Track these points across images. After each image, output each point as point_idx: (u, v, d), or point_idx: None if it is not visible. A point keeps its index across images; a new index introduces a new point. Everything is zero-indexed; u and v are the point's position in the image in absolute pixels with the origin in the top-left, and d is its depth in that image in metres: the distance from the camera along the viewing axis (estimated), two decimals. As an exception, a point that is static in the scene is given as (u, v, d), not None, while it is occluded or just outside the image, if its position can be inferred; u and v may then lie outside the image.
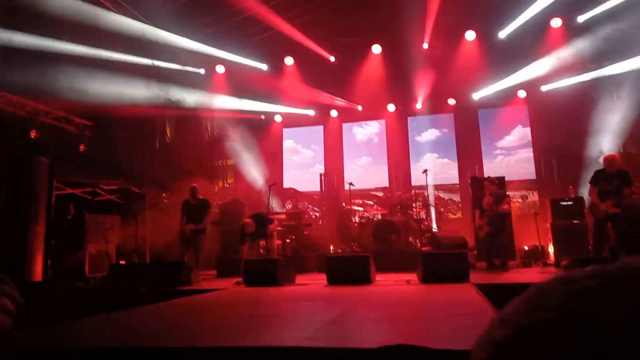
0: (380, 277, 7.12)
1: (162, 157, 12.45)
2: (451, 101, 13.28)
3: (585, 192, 7.91)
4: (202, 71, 12.80)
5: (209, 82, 12.82)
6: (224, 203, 11.17)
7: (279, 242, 10.21)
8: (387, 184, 13.16)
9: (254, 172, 12.78)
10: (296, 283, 6.98)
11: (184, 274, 7.22)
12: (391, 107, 13.71)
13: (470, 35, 11.45)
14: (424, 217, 10.54)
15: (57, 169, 8.76)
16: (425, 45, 11.58)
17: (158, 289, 6.75)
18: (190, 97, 12.40)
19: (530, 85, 12.35)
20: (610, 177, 6.64)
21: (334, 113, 14.07)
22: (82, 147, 10.32)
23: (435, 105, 13.55)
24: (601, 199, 6.61)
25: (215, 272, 9.35)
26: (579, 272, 0.43)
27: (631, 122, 10.51)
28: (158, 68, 11.40)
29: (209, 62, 12.51)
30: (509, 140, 13.13)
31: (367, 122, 14.30)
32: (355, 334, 3.23)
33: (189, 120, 13.61)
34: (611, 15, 10.03)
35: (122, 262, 9.18)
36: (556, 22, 10.84)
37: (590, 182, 6.84)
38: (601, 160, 7.04)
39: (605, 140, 11.19)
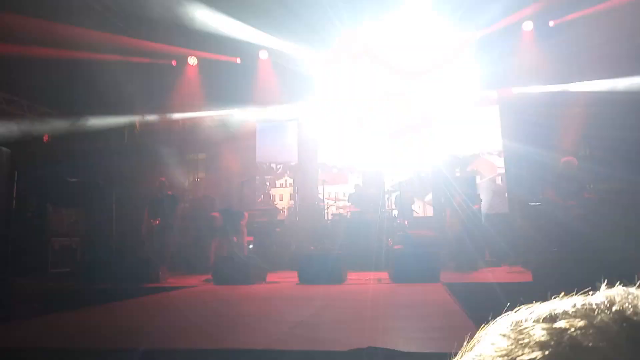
0: (352, 276, 7.11)
1: (131, 149, 12.12)
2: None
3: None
4: (173, 63, 12.50)
5: (180, 74, 12.53)
6: (194, 198, 10.96)
7: (250, 238, 10.09)
8: (360, 182, 13.15)
9: (226, 167, 12.57)
10: (267, 281, 6.90)
11: (151, 271, 7.05)
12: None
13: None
14: (397, 215, 10.58)
15: (20, 159, 8.42)
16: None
17: (124, 285, 6.57)
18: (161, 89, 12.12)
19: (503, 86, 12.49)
20: (573, 179, 6.92)
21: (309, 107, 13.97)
22: (45, 137, 9.92)
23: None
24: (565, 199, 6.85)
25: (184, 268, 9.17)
26: (562, 308, 0.41)
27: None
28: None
29: (181, 54, 12.22)
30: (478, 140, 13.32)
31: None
32: (325, 335, 3.18)
33: (160, 112, 13.30)
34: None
35: (87, 257, 8.91)
36: (527, 25, 10.99)
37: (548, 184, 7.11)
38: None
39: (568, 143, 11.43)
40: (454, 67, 12.26)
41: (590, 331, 0.37)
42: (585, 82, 10.49)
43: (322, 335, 3.15)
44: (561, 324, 0.39)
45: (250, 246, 9.97)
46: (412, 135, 13.65)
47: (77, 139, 10.43)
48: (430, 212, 12.59)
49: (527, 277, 5.90)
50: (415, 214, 11.26)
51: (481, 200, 8.07)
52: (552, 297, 0.44)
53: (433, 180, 12.47)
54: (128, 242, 9.55)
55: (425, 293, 5.26)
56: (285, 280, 7.07)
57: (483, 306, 4.99)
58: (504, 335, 0.41)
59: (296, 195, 12.40)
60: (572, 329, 0.38)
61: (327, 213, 10.76)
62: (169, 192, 8.43)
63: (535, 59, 11.05)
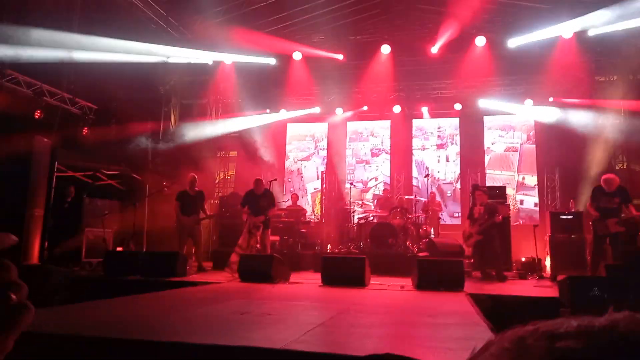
0: (375, 281, 7.10)
1: (165, 144, 12.44)
2: (457, 106, 13.22)
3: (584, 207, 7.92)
4: (210, 62, 12.74)
5: (216, 72, 12.77)
6: (223, 195, 11.16)
7: (276, 238, 10.21)
8: (388, 186, 13.13)
9: (255, 165, 12.75)
10: (290, 281, 6.97)
11: (178, 265, 7.23)
12: (397, 109, 13.65)
13: (480, 41, 11.36)
14: (423, 221, 10.51)
15: (59, 151, 8.78)
16: (435, 49, 11.50)
17: (152, 278, 6.77)
18: (196, 87, 12.39)
19: (537, 94, 12.29)
20: (611, 194, 6.69)
21: (339, 111, 14.02)
22: (85, 130, 10.29)
23: (441, 109, 13.50)
24: (603, 216, 6.66)
25: (212, 264, 9.35)
26: (564, 327, 0.41)
27: (634, 139, 10.47)
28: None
29: (217, 50, 12.44)
30: (514, 148, 13.08)
31: (373, 121, 14.26)
32: (344, 339, 3.21)
33: (193, 109, 13.61)
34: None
35: (119, 248, 9.20)
36: (567, 32, 10.74)
37: (590, 199, 6.89)
38: (603, 177, 7.07)
39: (609, 156, 11.15)
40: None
41: (589, 353, 0.37)
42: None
43: (340, 339, 3.18)
44: (561, 343, 0.39)
45: (276, 245, 10.09)
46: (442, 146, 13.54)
47: (114, 132, 10.78)
48: (458, 220, 12.45)
49: (554, 292, 5.77)
50: (442, 222, 11.14)
51: (498, 210, 7.90)
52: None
53: (462, 189, 12.34)
54: (159, 236, 9.83)
55: (448, 302, 5.21)
56: (308, 281, 7.12)
57: (506, 319, 4.92)
58: (506, 349, 0.42)
59: (323, 197, 12.46)
60: (571, 350, 0.38)
61: (353, 216, 10.76)
62: (196, 189, 8.62)
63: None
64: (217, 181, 13.04)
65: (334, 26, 11.57)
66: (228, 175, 13.54)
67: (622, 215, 6.67)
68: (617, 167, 10.96)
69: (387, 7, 11.66)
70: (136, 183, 10.39)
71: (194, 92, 13.23)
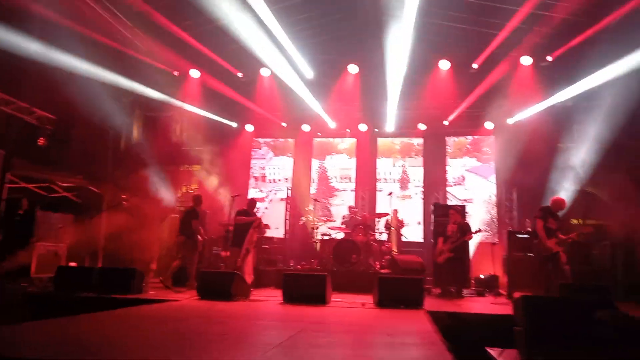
0: (337, 297, 7.09)
1: (126, 157, 12.13)
2: (421, 126, 13.50)
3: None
4: (175, 73, 12.57)
5: (181, 85, 12.59)
6: (185, 209, 10.91)
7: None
8: (353, 203, 13.20)
9: (220, 180, 12.58)
10: (251, 298, 6.87)
11: (135, 282, 7.01)
12: (363, 127, 13.82)
13: (444, 64, 11.69)
14: (386, 239, 10.59)
15: (13, 162, 8.42)
16: (401, 68, 11.73)
17: (106, 295, 6.52)
18: (160, 98, 12.17)
19: (498, 117, 12.72)
20: (556, 216, 7.00)
21: (305, 127, 14.07)
22: (41, 141, 9.90)
23: (406, 128, 13.76)
24: (548, 237, 6.89)
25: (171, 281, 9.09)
26: None
27: (589, 162, 10.94)
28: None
29: (184, 65, 12.29)
30: (466, 167, 13.45)
31: (339, 139, 14.37)
32: (301, 360, 3.17)
33: (157, 122, 13.35)
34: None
35: (72, 264, 8.84)
36: (526, 60, 11.19)
37: (539, 218, 7.07)
38: (553, 199, 7.35)
39: (564, 177, 11.61)
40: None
41: None
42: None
43: (296, 360, 3.14)
44: None
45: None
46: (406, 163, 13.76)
47: (72, 143, 10.44)
48: (419, 237, 12.62)
49: (509, 309, 5.88)
50: (404, 239, 11.27)
51: (471, 229, 8.11)
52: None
53: (425, 206, 12.54)
54: (116, 251, 9.50)
55: (407, 320, 5.24)
56: (269, 298, 7.04)
57: (463, 337, 4.98)
58: None
59: (287, 213, 12.39)
60: None
61: (317, 233, 10.74)
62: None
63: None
64: (179, 195, 12.78)
65: (303, 44, 11.67)
66: (191, 189, 13.29)
67: (560, 236, 6.95)
68: (571, 189, 11.40)
69: (356, 28, 11.86)
70: (93, 196, 10.05)
71: (159, 104, 13.00)
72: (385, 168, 13.95)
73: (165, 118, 13.19)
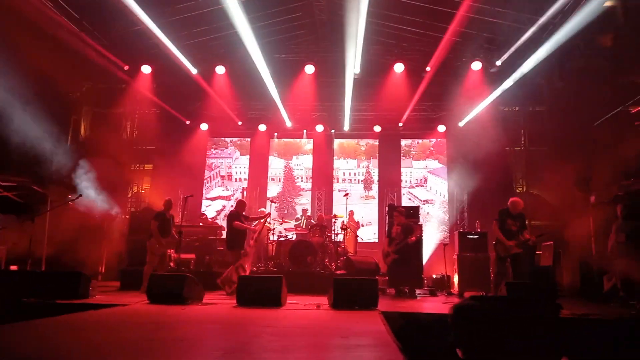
0: (293, 299, 7.06)
1: (72, 155, 11.58)
2: (377, 128, 13.69)
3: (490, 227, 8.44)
4: (126, 68, 12.08)
5: (133, 80, 12.16)
6: (135, 210, 10.58)
7: (192, 255, 9.84)
8: (309, 204, 13.22)
9: (172, 180, 12.25)
10: (204, 302, 6.71)
11: (81, 286, 6.70)
12: (319, 128, 13.86)
13: (398, 67, 11.90)
14: (342, 239, 10.66)
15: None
16: (357, 70, 11.82)
17: (49, 301, 6.20)
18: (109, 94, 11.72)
19: (449, 120, 13.10)
20: (514, 217, 7.20)
21: (262, 127, 13.96)
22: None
23: (362, 130, 13.92)
24: (506, 238, 7.13)
25: (119, 284, 8.78)
26: None
27: (532, 165, 11.46)
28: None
29: (136, 59, 11.84)
30: (428, 169, 13.77)
31: (296, 139, 14.35)
32: (254, 366, 3.12)
33: (107, 118, 12.84)
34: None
35: (13, 267, 8.37)
36: (476, 65, 11.56)
37: (496, 220, 7.33)
38: (510, 200, 7.58)
39: (513, 180, 12.10)
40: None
41: None
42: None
43: (249, 366, 3.08)
44: None
45: (192, 264, 9.72)
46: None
47: (14, 139, 9.86)
48: (375, 238, 12.80)
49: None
50: (360, 240, 11.37)
51: (413, 230, 8.26)
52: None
53: (379, 207, 12.72)
54: (60, 255, 9.06)
55: (361, 322, 5.28)
56: (223, 301, 6.91)
57: (415, 338, 5.07)
58: None
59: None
60: None
61: (272, 234, 10.66)
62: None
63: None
64: (129, 195, 12.36)
65: (259, 43, 11.55)
66: (142, 189, 12.88)
67: (521, 237, 7.20)
68: (517, 191, 11.90)
69: (313, 29, 11.87)
70: (37, 196, 9.54)
71: (109, 100, 12.52)
72: (350, 169, 14.07)
73: (115, 115, 12.70)
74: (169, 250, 7.83)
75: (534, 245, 9.62)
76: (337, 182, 13.92)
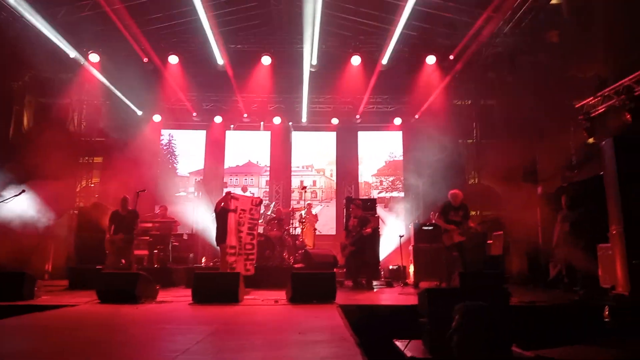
0: (251, 295, 6.98)
1: (15, 148, 10.94)
2: (334, 120, 13.71)
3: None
4: (72, 54, 11.43)
5: (80, 69, 11.55)
6: (84, 206, 10.13)
7: (145, 252, 9.55)
8: (267, 197, 13.11)
9: (123, 173, 11.78)
10: (158, 300, 6.52)
11: (25, 287, 6.36)
12: (277, 120, 13.73)
13: (355, 60, 11.91)
14: (300, 233, 10.64)
15: None
16: (314, 62, 11.75)
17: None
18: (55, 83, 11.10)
19: (405, 113, 13.29)
20: (456, 208, 7.52)
21: (217, 119, 13.68)
22: None
23: (320, 122, 13.90)
24: (450, 228, 7.47)
25: (67, 282, 8.40)
26: None
27: (483, 157, 11.83)
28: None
29: (83, 46, 11.25)
30: (384, 162, 13.95)
31: (252, 131, 14.15)
32: (208, 367, 3.05)
33: (52, 109, 12.19)
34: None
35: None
36: (431, 59, 11.74)
37: (440, 213, 7.64)
38: (450, 193, 7.88)
39: (465, 171, 12.44)
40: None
41: None
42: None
43: (204, 368, 3.01)
44: None
45: (145, 260, 9.45)
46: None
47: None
48: (332, 231, 12.87)
49: (415, 299, 6.17)
50: (317, 233, 11.40)
51: (370, 223, 8.36)
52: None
53: (337, 201, 12.78)
54: (4, 254, 8.57)
55: (319, 316, 5.29)
56: (178, 299, 6.74)
57: (371, 331, 5.12)
58: None
59: (198, 208, 11.97)
60: None
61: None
62: (130, 208, 8.08)
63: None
64: (78, 189, 11.82)
65: (214, 32, 11.26)
66: (91, 183, 12.35)
67: (464, 226, 7.53)
68: (469, 182, 12.25)
69: (268, 18, 11.70)
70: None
71: (54, 90, 11.87)
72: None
73: (60, 105, 12.07)
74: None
75: (483, 235, 9.97)
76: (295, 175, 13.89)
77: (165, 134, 13.86)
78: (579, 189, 8.06)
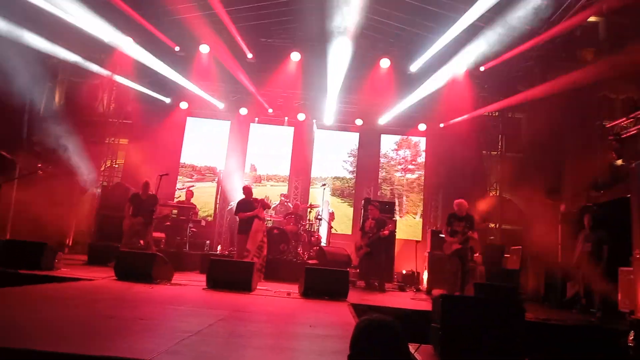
0: (263, 286, 7.02)
1: (44, 123, 11.20)
2: (358, 122, 13.68)
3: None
4: (106, 40, 11.66)
5: (112, 53, 11.76)
6: (107, 185, 10.32)
7: (162, 235, 9.69)
8: (285, 192, 13.14)
9: (147, 157, 11.96)
10: (173, 282, 6.62)
11: (45, 257, 6.52)
12: (301, 117, 13.76)
13: (384, 62, 11.86)
14: (316, 229, 10.66)
15: None
16: (343, 63, 11.72)
17: (12, 270, 6.01)
18: (86, 65, 11.31)
19: (430, 119, 13.18)
20: (460, 219, 7.52)
21: (243, 111, 13.77)
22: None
23: (344, 123, 13.88)
24: (451, 236, 7.66)
25: (86, 258, 8.58)
26: None
27: (506, 170, 11.67)
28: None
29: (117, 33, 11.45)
30: (406, 167, 13.86)
31: (276, 126, 14.20)
32: (218, 350, 3.08)
33: (82, 88, 12.43)
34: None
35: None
36: (461, 68, 11.61)
37: (446, 223, 7.85)
38: (455, 202, 7.86)
39: (487, 182, 12.28)
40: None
41: None
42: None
43: (213, 350, 3.04)
44: None
45: (164, 243, 9.58)
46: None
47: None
48: (348, 230, 12.84)
49: (427, 305, 6.12)
50: (333, 231, 11.40)
51: (387, 225, 8.35)
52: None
53: (355, 201, 12.73)
54: (28, 224, 8.80)
55: (331, 312, 5.29)
56: (192, 283, 6.82)
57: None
58: None
59: (218, 196, 12.10)
60: None
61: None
62: (150, 193, 8.34)
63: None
64: (102, 169, 12.03)
65: (245, 25, 11.35)
66: (116, 164, 12.57)
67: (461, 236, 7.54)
68: (490, 194, 12.09)
69: (300, 15, 11.72)
70: (5, 162, 9.20)
71: (86, 70, 12.11)
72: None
73: (91, 86, 12.31)
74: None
75: (500, 248, 9.84)
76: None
77: (191, 121, 13.99)
78: (604, 210, 7.89)
